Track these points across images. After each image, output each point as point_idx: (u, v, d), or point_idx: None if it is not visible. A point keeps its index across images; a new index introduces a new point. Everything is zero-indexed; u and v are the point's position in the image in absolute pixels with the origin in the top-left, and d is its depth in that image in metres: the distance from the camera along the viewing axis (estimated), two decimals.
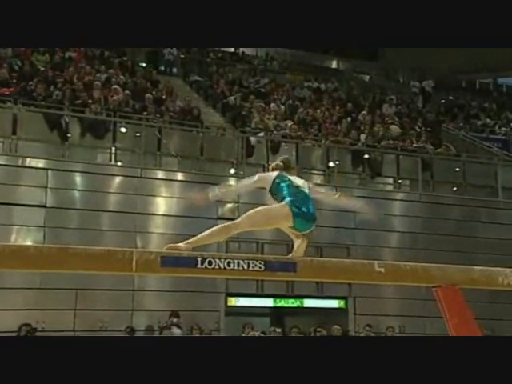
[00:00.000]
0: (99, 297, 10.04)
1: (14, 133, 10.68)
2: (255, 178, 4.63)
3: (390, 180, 13.83)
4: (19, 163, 10.38)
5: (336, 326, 10.76)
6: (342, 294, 11.60)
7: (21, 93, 12.04)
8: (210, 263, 4.10)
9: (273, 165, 4.78)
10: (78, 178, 10.76)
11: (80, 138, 11.48)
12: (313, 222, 4.39)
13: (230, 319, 10.96)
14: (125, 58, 16.25)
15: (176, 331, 9.84)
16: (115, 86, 13.34)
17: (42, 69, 13.66)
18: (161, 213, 11.09)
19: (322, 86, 19.08)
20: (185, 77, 17.70)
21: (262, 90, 17.22)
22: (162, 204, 11.17)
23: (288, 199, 4.34)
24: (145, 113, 12.82)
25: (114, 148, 11.57)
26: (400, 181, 13.69)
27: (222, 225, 4.42)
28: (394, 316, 11.76)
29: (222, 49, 20.55)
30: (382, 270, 4.47)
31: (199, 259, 4.11)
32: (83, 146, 11.48)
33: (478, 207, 13.01)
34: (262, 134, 13.32)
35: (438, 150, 15.08)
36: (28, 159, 10.44)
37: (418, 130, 16.60)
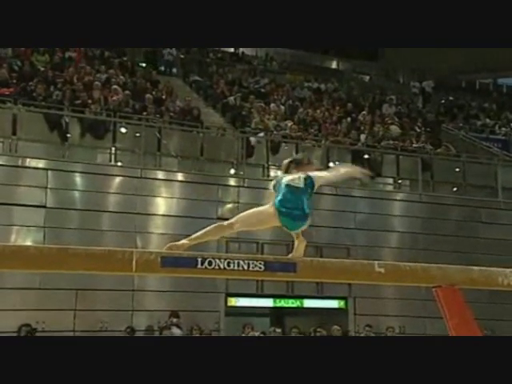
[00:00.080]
0: (99, 297, 10.04)
1: (14, 133, 10.68)
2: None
3: (390, 180, 13.84)
4: (19, 163, 10.39)
5: (336, 327, 10.76)
6: (341, 295, 11.60)
7: (21, 93, 12.04)
8: (210, 263, 4.10)
9: (283, 166, 4.75)
10: (77, 179, 10.76)
11: (80, 138, 11.48)
12: (301, 220, 4.36)
13: (230, 319, 10.97)
14: (125, 59, 16.26)
15: (176, 331, 9.84)
16: (115, 87, 13.34)
17: (42, 69, 13.67)
18: (161, 213, 11.10)
19: (322, 87, 19.09)
20: (185, 77, 17.71)
21: (262, 90, 17.23)
22: (161, 204, 11.18)
23: (277, 199, 4.38)
24: (145, 113, 12.82)
25: (113, 148, 11.58)
26: (400, 181, 13.69)
27: (217, 224, 4.50)
28: (394, 316, 11.76)
29: (222, 49, 20.56)
30: (382, 270, 4.47)
31: (199, 259, 4.11)
32: (83, 146, 11.48)
33: (477, 207, 13.01)
34: (261, 135, 13.32)
35: (438, 150, 15.09)
36: (28, 159, 10.44)
37: (418, 130, 16.61)
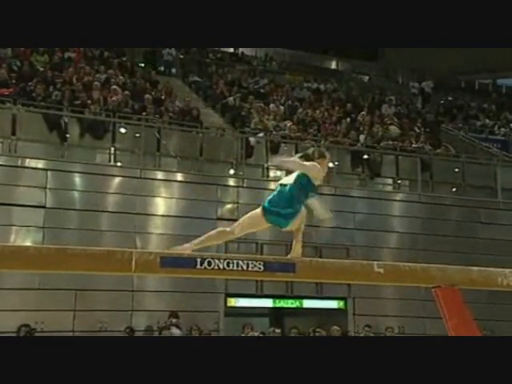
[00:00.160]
0: (99, 297, 10.03)
1: (14, 133, 10.67)
2: None
3: (390, 180, 13.84)
4: (18, 164, 10.38)
5: (335, 327, 10.75)
6: (341, 295, 11.60)
7: (20, 93, 12.03)
8: (209, 264, 4.11)
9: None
10: (77, 179, 10.75)
11: (79, 138, 11.48)
12: (288, 217, 4.38)
13: (230, 320, 10.96)
14: (124, 59, 16.25)
15: (175, 332, 9.83)
16: (114, 87, 13.34)
17: (42, 69, 13.66)
18: (160, 213, 11.09)
19: (322, 87, 19.09)
20: (184, 77, 17.70)
21: (262, 90, 17.22)
22: (161, 204, 11.17)
23: (267, 199, 4.46)
24: (144, 113, 12.82)
25: (113, 148, 11.57)
26: (399, 181, 13.69)
27: (219, 229, 4.59)
28: (393, 316, 11.76)
29: (222, 49, 20.56)
30: (382, 270, 4.47)
31: (198, 260, 4.11)
32: (82, 146, 11.47)
33: (477, 208, 13.01)
34: (261, 135, 13.32)
35: (438, 150, 15.09)
36: (27, 160, 10.43)
37: (418, 130, 16.61)
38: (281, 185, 4.50)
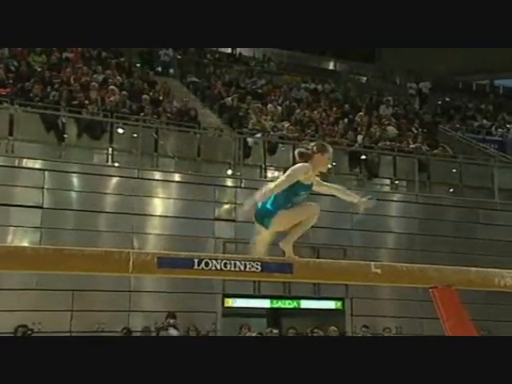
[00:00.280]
0: (96, 298, 10.02)
1: (11, 133, 10.66)
2: None
3: (387, 181, 13.84)
4: (16, 164, 10.37)
5: (333, 327, 10.76)
6: (338, 295, 11.60)
7: (17, 93, 12.02)
8: (206, 264, 4.10)
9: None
10: (74, 179, 10.74)
11: (77, 138, 11.47)
12: (266, 216, 4.41)
13: (227, 320, 10.96)
14: (122, 59, 16.25)
15: (173, 332, 9.82)
16: (112, 87, 13.33)
17: (39, 69, 13.65)
18: (158, 214, 11.09)
19: (319, 87, 19.10)
20: (182, 78, 17.70)
21: (259, 91, 17.23)
22: (158, 205, 11.17)
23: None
24: (142, 114, 12.81)
25: (110, 149, 11.56)
26: (397, 182, 13.70)
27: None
28: (390, 317, 11.77)
29: (219, 50, 20.57)
30: (379, 271, 4.47)
31: (196, 260, 4.11)
32: (80, 146, 11.47)
33: (474, 208, 13.03)
34: (259, 135, 13.32)
35: (435, 151, 15.10)
36: (24, 160, 10.42)
37: (415, 131, 16.63)
38: None
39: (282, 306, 11.64)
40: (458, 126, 18.92)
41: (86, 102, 12.37)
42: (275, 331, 10.51)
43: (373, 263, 4.54)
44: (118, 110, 12.50)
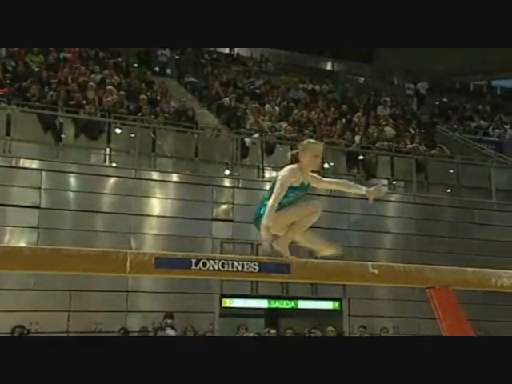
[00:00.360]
0: (93, 298, 10.01)
1: (8, 133, 10.65)
2: None
3: (385, 181, 13.83)
4: (13, 164, 10.35)
5: (330, 328, 10.76)
6: (336, 296, 11.61)
7: (15, 93, 12.00)
8: (204, 264, 4.10)
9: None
10: (72, 179, 10.73)
11: (74, 138, 11.46)
12: (256, 220, 4.43)
13: (225, 320, 10.96)
14: (119, 59, 16.23)
15: (170, 332, 9.82)
16: (110, 87, 13.32)
17: (37, 69, 13.63)
18: (155, 214, 11.08)
19: (317, 88, 19.11)
20: (179, 78, 17.69)
21: (257, 91, 17.22)
22: (156, 205, 11.16)
23: None
24: (139, 114, 12.80)
25: (108, 149, 11.56)
26: (394, 182, 13.71)
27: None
28: (388, 317, 11.78)
29: (217, 50, 20.56)
30: (376, 271, 4.48)
31: (193, 260, 4.10)
32: (77, 146, 11.46)
33: (471, 209, 13.06)
34: (256, 136, 13.32)
35: (432, 151, 15.13)
36: (22, 160, 10.41)
37: (413, 131, 16.64)
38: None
39: (280, 306, 11.64)
40: (455, 126, 18.95)
41: (84, 102, 12.35)
42: (273, 331, 10.51)
43: (370, 263, 4.54)
44: (116, 110, 12.49)
